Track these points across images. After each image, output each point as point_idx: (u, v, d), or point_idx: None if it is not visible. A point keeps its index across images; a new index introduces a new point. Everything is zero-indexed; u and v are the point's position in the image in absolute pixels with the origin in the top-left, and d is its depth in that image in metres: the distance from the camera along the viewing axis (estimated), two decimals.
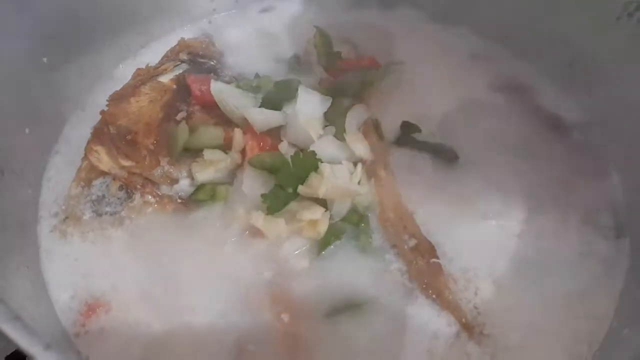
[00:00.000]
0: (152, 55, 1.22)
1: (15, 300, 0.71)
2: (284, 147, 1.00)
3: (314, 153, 0.95)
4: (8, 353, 0.87)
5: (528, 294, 0.92)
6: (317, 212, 0.92)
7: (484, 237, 0.97)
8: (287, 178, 0.94)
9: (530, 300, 0.91)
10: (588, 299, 0.92)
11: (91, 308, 0.91)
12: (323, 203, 0.95)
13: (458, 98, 1.14)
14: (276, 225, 0.93)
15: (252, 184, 0.96)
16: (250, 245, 0.95)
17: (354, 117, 1.05)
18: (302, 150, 1.00)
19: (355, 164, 0.99)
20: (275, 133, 1.02)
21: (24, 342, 0.55)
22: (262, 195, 0.93)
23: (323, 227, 0.93)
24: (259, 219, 0.93)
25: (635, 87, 0.99)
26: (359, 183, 0.96)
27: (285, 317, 0.89)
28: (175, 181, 1.01)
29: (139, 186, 1.01)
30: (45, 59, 1.05)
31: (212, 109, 1.05)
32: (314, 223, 0.93)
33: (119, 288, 0.93)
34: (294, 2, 1.35)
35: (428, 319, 0.89)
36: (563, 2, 1.08)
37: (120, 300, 0.92)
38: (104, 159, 1.02)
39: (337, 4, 1.35)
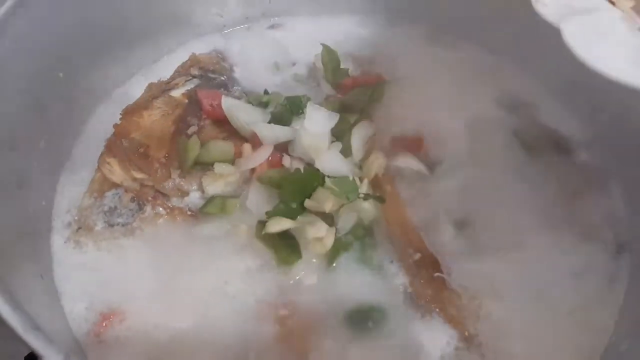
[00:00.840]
0: (163, 70, 1.25)
1: (31, 310, 0.73)
2: (287, 162, 1.02)
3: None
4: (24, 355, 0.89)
5: (530, 308, 0.93)
6: (321, 229, 0.93)
7: (487, 251, 0.99)
8: (292, 193, 0.96)
9: (533, 314, 0.93)
10: (589, 313, 0.94)
11: (105, 318, 0.93)
12: (329, 217, 0.97)
13: (461, 114, 1.16)
14: None
15: (257, 201, 0.98)
16: (259, 259, 0.97)
17: (360, 133, 1.07)
18: (309, 165, 1.02)
19: (361, 179, 1.01)
20: (284, 148, 1.04)
21: (46, 352, 0.58)
22: (266, 213, 0.95)
23: (329, 242, 0.94)
24: None
25: (637, 105, 1.00)
26: (364, 199, 0.97)
27: (292, 330, 0.90)
28: (185, 194, 1.03)
29: (150, 198, 1.04)
30: (61, 74, 1.08)
31: (223, 124, 1.08)
32: (319, 238, 0.94)
33: (133, 298, 0.95)
34: (303, 19, 1.37)
35: (431, 332, 0.91)
36: None
37: (134, 310, 0.93)
38: (116, 171, 1.05)
39: (344, 21, 1.37)
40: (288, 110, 1.06)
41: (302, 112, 1.05)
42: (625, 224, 1.04)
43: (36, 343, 0.59)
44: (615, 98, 1.04)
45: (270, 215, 0.95)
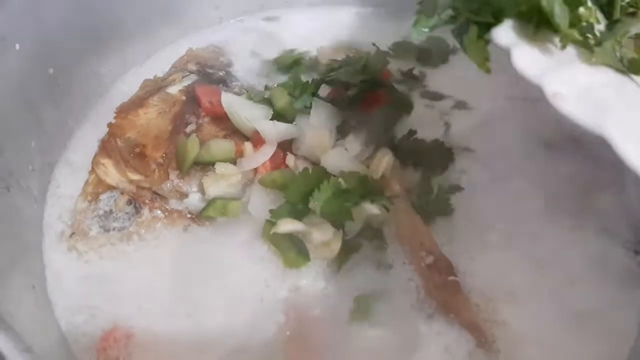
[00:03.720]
0: (158, 66, 1.20)
1: (22, 325, 0.68)
2: (291, 161, 0.98)
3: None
4: None
5: (547, 311, 0.89)
6: (327, 232, 0.90)
7: (501, 253, 0.95)
8: (298, 194, 0.92)
9: (549, 318, 0.89)
10: (609, 316, 0.89)
11: (108, 334, 0.88)
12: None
13: (474, 106, 1.13)
14: None
15: (259, 204, 0.94)
16: (266, 264, 0.93)
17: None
18: (314, 163, 0.98)
19: None
20: (287, 147, 1.00)
21: None
22: (271, 211, 0.91)
23: (336, 246, 0.91)
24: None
25: None
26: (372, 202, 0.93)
27: (300, 336, 0.87)
28: (185, 195, 0.99)
29: (147, 201, 0.99)
30: (51, 70, 1.03)
31: (223, 121, 1.03)
32: (326, 243, 0.90)
33: (140, 311, 0.90)
34: (300, 11, 1.33)
35: (445, 336, 0.87)
36: None
37: (142, 325, 0.89)
38: (111, 173, 1.00)
39: (344, 13, 1.32)
40: (292, 105, 1.02)
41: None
42: None
43: None
44: None
45: (274, 215, 0.91)
